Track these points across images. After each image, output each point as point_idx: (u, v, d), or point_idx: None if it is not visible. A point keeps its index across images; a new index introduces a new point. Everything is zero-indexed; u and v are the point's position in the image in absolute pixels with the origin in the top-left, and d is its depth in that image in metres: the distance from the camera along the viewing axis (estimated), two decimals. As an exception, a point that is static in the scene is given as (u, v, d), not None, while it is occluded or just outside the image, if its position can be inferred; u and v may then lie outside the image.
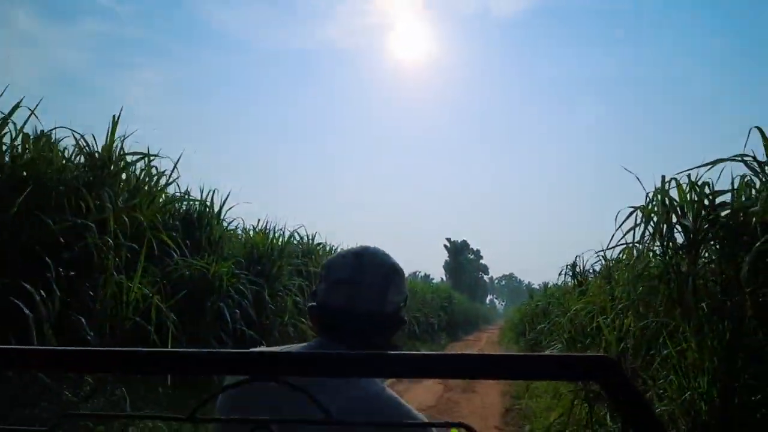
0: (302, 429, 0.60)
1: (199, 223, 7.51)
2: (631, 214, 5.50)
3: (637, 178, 5.67)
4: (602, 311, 7.40)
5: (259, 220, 9.64)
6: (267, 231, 9.45)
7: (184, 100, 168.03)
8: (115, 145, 5.67)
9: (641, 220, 5.55)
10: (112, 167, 5.44)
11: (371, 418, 1.00)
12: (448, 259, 77.00)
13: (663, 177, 5.64)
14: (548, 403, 6.83)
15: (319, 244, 12.60)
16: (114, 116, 5.47)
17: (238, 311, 6.69)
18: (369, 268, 1.17)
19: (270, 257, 8.56)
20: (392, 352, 0.49)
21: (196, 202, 7.56)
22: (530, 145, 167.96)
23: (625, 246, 6.53)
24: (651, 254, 5.56)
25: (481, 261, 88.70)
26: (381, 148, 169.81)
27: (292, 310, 8.20)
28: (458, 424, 0.51)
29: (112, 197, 5.13)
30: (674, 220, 5.29)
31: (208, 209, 7.76)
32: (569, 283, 12.77)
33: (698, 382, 3.98)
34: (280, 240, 9.25)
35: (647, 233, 5.49)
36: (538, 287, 26.81)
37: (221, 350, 0.49)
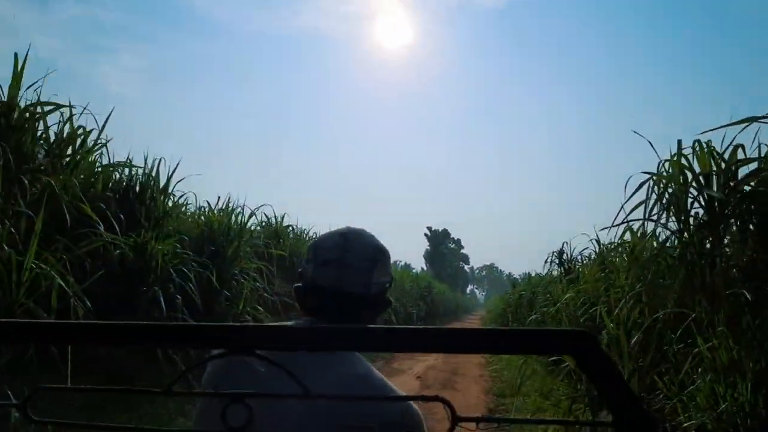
0: (286, 406, 0.64)
1: (140, 195, 6.52)
2: (643, 183, 4.62)
3: (650, 143, 4.81)
4: (598, 301, 6.62)
5: (219, 197, 8.59)
6: (227, 209, 8.39)
7: (164, 85, 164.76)
8: (23, 94, 4.64)
9: (651, 191, 4.69)
10: (14, 116, 4.41)
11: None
12: (428, 247, 76.35)
13: (679, 142, 4.79)
14: (538, 404, 5.99)
15: (288, 226, 11.67)
16: (16, 54, 4.45)
17: (180, 297, 5.72)
18: (355, 249, 1.16)
19: (227, 237, 7.57)
20: (368, 326, 0.48)
21: (138, 170, 6.55)
22: (512, 134, 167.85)
23: (626, 226, 5.72)
24: (665, 233, 4.69)
25: (461, 250, 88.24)
26: (362, 136, 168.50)
27: (249, 296, 7.25)
28: (434, 398, 0.50)
29: (8, 153, 4.11)
30: (694, 192, 4.45)
31: (152, 181, 6.76)
32: (555, 272, 12.05)
33: (739, 389, 3.12)
34: (239, 218, 8.22)
35: (659, 207, 4.63)
36: (518, 277, 26.15)
37: (199, 323, 0.49)
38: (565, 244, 11.46)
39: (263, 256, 8.60)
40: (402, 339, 0.47)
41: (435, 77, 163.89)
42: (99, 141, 5.59)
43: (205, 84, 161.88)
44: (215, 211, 8.23)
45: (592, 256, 9.14)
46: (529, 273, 18.18)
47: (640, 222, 5.14)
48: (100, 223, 4.97)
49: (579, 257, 11.12)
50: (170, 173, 6.94)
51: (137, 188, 6.59)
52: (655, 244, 4.87)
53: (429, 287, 29.63)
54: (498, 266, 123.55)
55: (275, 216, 11.22)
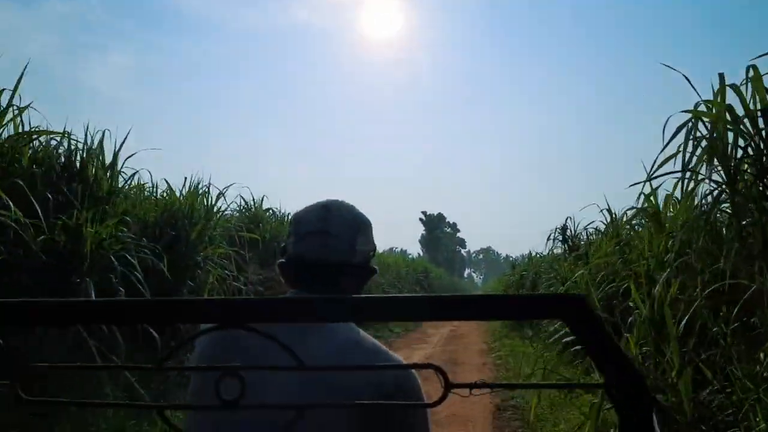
0: (279, 379, 0.72)
1: (80, 173, 5.57)
2: (681, 126, 3.71)
3: (685, 77, 3.89)
4: (617, 277, 5.77)
5: (185, 178, 7.53)
6: (194, 190, 7.33)
7: (154, 83, 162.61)
8: None
9: (690, 136, 3.76)
10: None
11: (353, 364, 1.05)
12: (424, 232, 75.57)
13: (721, 75, 3.88)
14: (552, 399, 5.12)
15: (268, 209, 10.74)
16: None
17: (123, 290, 4.80)
18: (336, 219, 1.16)
19: (190, 220, 6.63)
20: (361, 296, 0.47)
21: (78, 142, 5.59)
22: (504, 115, 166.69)
23: (643, 193, 4.86)
24: (709, 186, 3.78)
25: (457, 235, 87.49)
26: (354, 123, 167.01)
27: (217, 285, 6.34)
28: (427, 365, 0.48)
29: None
30: (750, 132, 3.54)
31: (98, 157, 5.81)
32: (558, 249, 11.20)
33: None
34: (206, 199, 7.24)
35: (701, 154, 3.71)
36: (514, 258, 25.35)
37: (190, 298, 0.50)
38: (568, 220, 10.61)
39: (236, 241, 7.66)
40: (394, 307, 0.46)
41: (425, 61, 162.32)
42: (13, 106, 4.59)
43: (193, 83, 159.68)
44: (180, 194, 7.23)
45: (602, 229, 8.31)
46: (529, 252, 17.32)
47: (673, 179, 4.26)
48: (9, 201, 4.02)
49: (584, 233, 10.30)
50: (117, 148, 5.97)
51: (77, 165, 5.66)
52: (695, 201, 3.98)
53: (425, 272, 28.97)
54: (495, 249, 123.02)
55: (254, 199, 10.30)
